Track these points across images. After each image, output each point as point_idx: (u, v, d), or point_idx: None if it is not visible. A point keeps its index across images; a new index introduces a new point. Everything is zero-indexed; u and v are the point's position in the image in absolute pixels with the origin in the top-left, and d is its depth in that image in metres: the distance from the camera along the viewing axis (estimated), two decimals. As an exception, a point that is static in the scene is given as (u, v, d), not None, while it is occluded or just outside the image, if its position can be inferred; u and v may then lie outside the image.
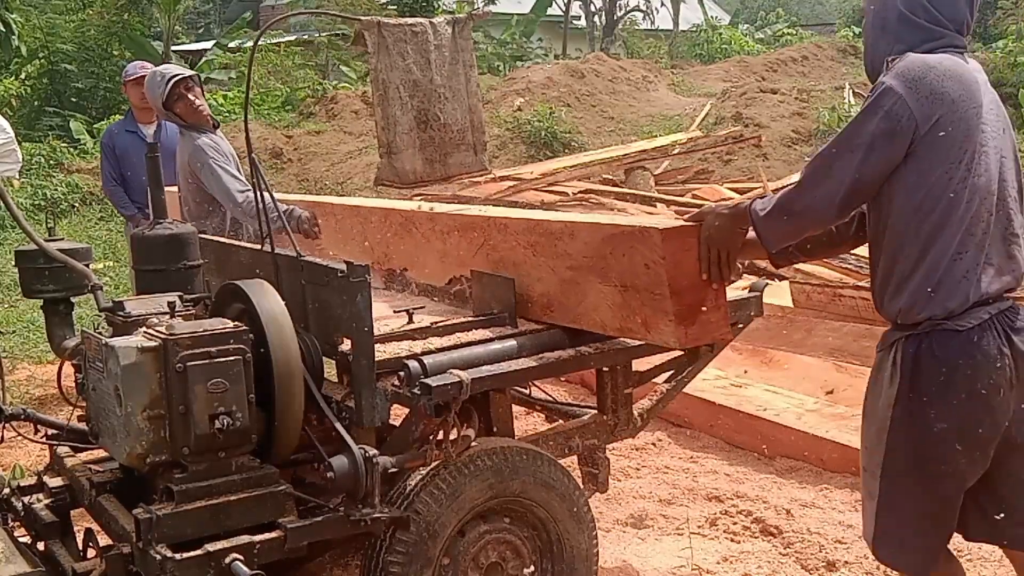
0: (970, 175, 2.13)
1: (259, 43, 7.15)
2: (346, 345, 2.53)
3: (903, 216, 2.17)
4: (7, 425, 2.88)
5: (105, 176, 5.99)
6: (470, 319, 2.86)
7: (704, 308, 2.41)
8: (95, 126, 12.99)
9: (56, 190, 10.90)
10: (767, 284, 3.42)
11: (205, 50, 18.10)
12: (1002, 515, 2.30)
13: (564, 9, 24.50)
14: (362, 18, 5.22)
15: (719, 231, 2.39)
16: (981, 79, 2.22)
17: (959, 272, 2.15)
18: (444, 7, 19.40)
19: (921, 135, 2.11)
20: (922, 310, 2.17)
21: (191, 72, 4.45)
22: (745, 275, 6.33)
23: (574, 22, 25.70)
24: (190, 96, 4.26)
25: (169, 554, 2.17)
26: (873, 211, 2.27)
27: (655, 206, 8.26)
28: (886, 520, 2.29)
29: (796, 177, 2.40)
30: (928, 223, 2.14)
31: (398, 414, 2.74)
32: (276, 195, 4.00)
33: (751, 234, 2.37)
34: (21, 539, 2.63)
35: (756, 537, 3.54)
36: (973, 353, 2.15)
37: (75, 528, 2.72)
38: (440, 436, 2.56)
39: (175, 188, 4.37)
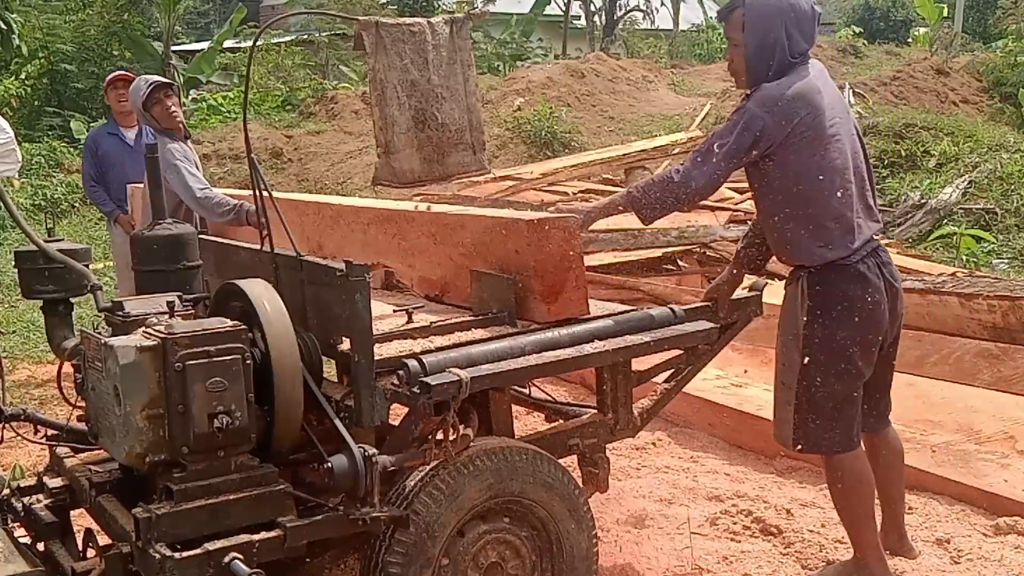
0: (826, 161, 2.87)
1: (258, 43, 7.18)
2: (345, 344, 2.53)
3: (780, 199, 2.94)
4: (7, 425, 2.87)
5: (85, 177, 6.31)
6: (469, 318, 2.86)
7: (565, 288, 2.78)
8: (94, 126, 12.99)
9: (56, 190, 10.92)
10: (767, 284, 3.42)
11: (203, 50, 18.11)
12: (866, 407, 3.08)
13: (564, 9, 24.46)
14: (360, 18, 5.23)
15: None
16: (820, 83, 2.92)
17: (841, 230, 2.90)
18: (444, 7, 19.40)
19: (779, 143, 2.86)
20: (821, 260, 2.92)
21: (171, 81, 4.88)
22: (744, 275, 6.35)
23: (574, 22, 25.66)
24: (167, 102, 4.67)
25: (168, 553, 2.17)
26: (758, 198, 3.05)
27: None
28: (804, 417, 2.99)
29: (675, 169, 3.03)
30: (801, 200, 2.90)
31: (397, 413, 2.74)
32: (229, 191, 4.70)
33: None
34: (21, 539, 2.63)
35: (756, 537, 3.54)
36: (859, 280, 2.92)
37: (75, 528, 2.72)
38: (439, 435, 2.56)
39: (141, 184, 4.69)
